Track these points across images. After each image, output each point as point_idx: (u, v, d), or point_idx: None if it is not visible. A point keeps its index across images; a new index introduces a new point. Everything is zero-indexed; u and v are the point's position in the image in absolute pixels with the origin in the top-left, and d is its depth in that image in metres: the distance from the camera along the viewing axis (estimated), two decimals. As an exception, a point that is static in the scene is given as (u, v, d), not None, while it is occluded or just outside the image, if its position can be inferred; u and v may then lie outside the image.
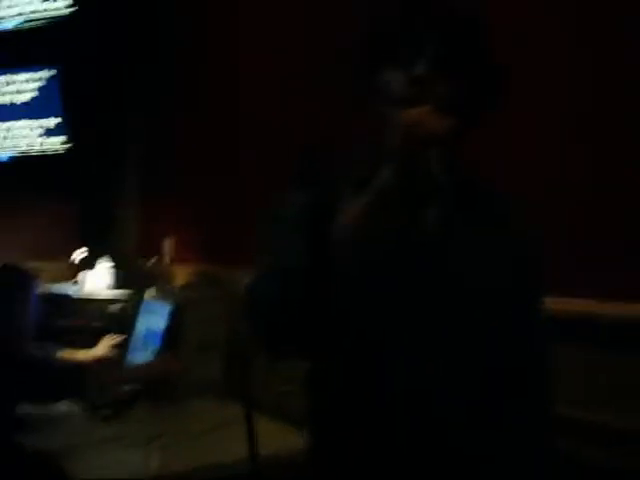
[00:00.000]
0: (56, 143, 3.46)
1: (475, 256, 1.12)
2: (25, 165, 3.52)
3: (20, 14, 3.41)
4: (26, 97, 3.49)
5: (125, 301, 3.15)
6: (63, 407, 2.48)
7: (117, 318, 3.13)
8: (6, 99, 3.54)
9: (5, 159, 3.57)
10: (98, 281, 3.34)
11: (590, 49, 1.71)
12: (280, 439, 1.96)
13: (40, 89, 3.45)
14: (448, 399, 1.10)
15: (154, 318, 2.79)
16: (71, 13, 3.31)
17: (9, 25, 3.43)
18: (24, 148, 3.53)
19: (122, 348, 2.86)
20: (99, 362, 2.75)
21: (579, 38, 1.73)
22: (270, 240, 1.19)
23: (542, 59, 1.78)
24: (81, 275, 3.37)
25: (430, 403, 1.10)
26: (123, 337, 2.85)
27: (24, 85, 3.48)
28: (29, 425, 2.30)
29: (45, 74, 3.43)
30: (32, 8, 3.39)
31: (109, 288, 3.34)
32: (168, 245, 3.21)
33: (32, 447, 2.05)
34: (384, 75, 1.07)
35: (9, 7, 3.43)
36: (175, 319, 2.66)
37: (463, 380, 1.10)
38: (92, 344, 3.00)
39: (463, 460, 1.10)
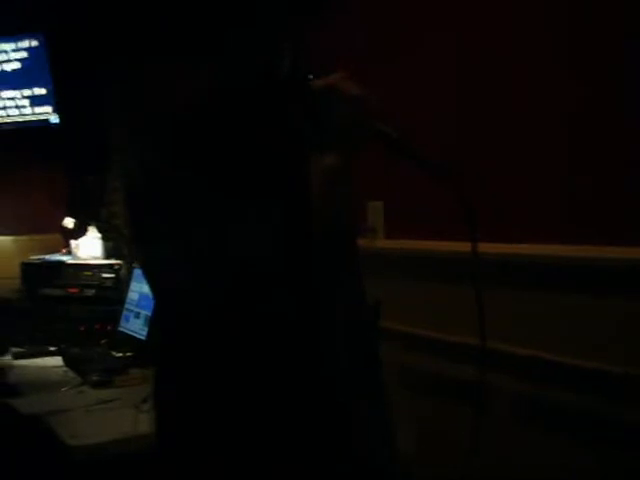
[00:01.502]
0: (44, 113, 3.45)
1: None
2: (13, 136, 3.50)
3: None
4: (13, 66, 3.47)
5: (118, 269, 3.17)
6: (55, 374, 2.52)
7: (110, 285, 3.15)
8: (-6, 68, 3.52)
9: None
10: (90, 250, 3.35)
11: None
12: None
13: (27, 58, 3.43)
14: None
15: (146, 285, 2.81)
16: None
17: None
18: (12, 118, 3.51)
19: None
20: None
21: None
22: None
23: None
24: (73, 244, 3.38)
25: None
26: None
27: (11, 54, 3.46)
28: (21, 390, 2.33)
29: (31, 42, 3.40)
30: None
31: (101, 257, 3.35)
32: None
33: (23, 411, 2.07)
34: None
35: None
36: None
37: None
38: (86, 312, 3.04)
39: None
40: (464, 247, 1.50)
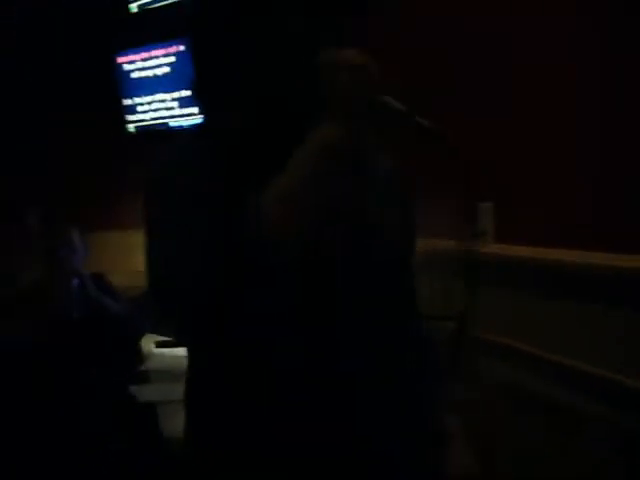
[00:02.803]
0: (191, 114, 3.63)
1: None
2: (162, 137, 3.72)
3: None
4: (163, 70, 3.69)
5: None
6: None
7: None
8: (148, 73, 3.76)
9: (146, 130, 3.82)
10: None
11: None
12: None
13: (175, 62, 3.64)
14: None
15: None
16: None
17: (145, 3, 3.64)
18: (163, 120, 3.74)
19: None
20: None
21: None
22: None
23: None
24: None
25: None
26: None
27: (161, 59, 3.68)
28: (150, 377, 2.49)
29: (178, 47, 3.60)
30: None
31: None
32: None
33: (141, 398, 2.21)
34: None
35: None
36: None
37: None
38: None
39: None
40: (582, 257, 1.41)
